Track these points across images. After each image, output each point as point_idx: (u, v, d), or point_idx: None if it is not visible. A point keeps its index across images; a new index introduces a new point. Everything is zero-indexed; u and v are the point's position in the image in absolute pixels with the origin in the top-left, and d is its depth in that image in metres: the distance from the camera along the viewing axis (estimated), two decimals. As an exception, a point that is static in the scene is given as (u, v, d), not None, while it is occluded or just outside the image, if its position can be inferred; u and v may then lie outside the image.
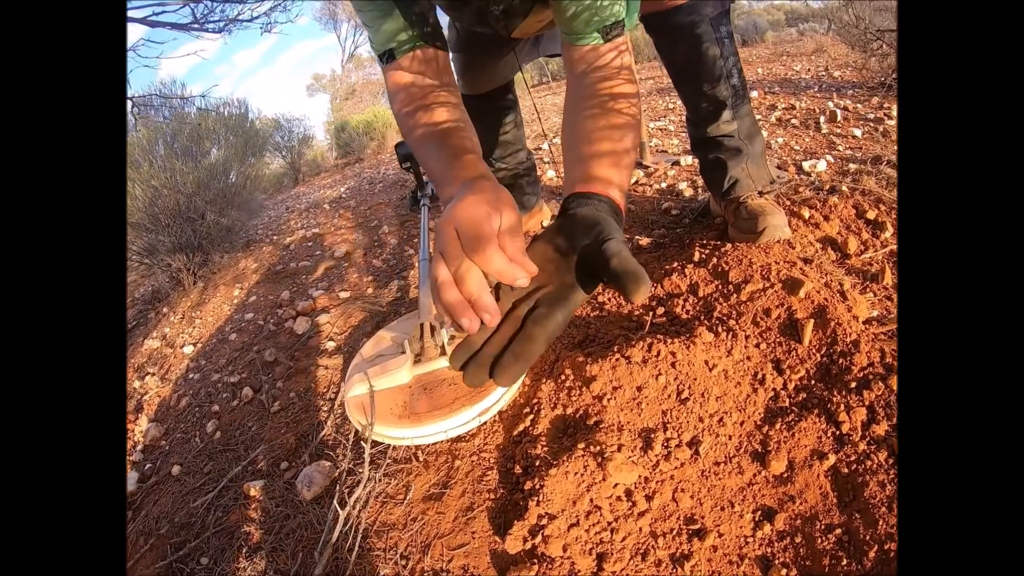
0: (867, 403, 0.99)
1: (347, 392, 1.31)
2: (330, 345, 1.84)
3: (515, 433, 1.18)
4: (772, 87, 3.44)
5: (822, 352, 1.09)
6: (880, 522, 0.84)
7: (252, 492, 1.30)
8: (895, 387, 0.99)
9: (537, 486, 0.99)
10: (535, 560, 0.92)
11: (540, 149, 3.25)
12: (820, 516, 0.90)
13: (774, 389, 1.08)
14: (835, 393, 1.02)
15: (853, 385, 1.02)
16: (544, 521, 0.95)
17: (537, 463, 1.06)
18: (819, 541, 0.87)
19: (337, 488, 1.20)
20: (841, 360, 1.06)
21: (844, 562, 0.83)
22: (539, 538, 0.93)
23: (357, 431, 1.28)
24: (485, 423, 1.19)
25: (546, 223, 2.09)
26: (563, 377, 1.21)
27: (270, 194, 5.80)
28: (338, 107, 14.17)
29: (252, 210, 3.58)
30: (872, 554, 0.81)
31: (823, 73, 3.63)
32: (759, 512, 0.94)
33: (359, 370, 1.36)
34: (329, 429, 1.41)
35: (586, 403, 1.13)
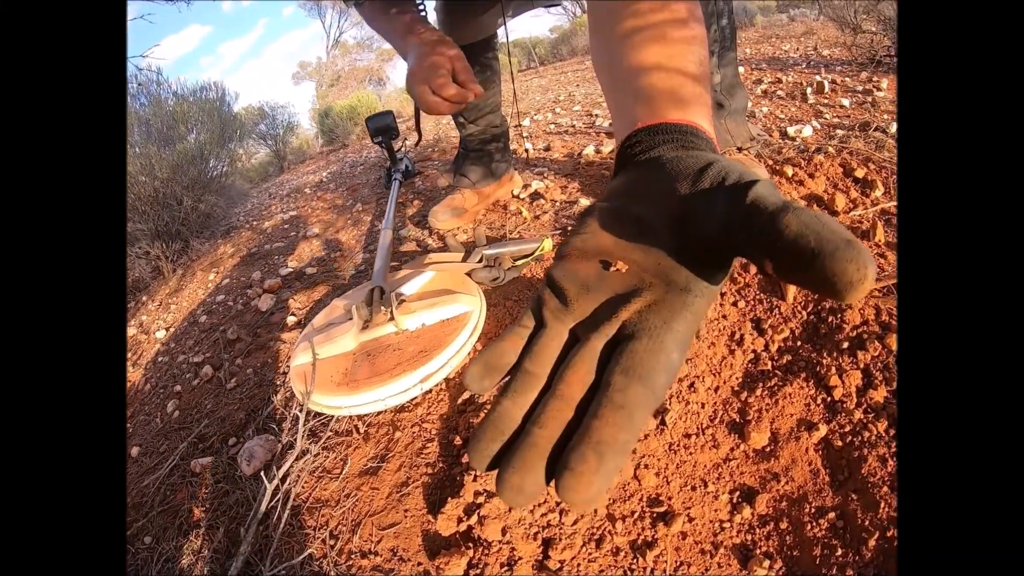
0: (862, 365, 0.83)
1: (292, 362, 1.24)
2: (291, 320, 1.74)
3: (460, 402, 1.04)
4: (759, 64, 3.29)
5: (809, 309, 0.92)
6: (881, 504, 0.68)
7: (198, 469, 1.22)
8: (894, 347, 0.82)
9: None
10: (470, 543, 0.76)
11: (520, 126, 3.11)
12: (810, 497, 0.74)
13: (754, 351, 0.91)
14: (825, 355, 0.86)
15: (845, 345, 0.86)
16: (481, 499, 0.79)
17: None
18: (809, 527, 0.71)
19: (274, 462, 1.11)
20: (831, 318, 0.89)
21: (839, 552, 0.67)
22: (475, 518, 0.78)
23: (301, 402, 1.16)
24: (429, 391, 1.06)
25: (517, 191, 1.91)
26: (514, 339, 1.03)
27: (255, 183, 5.62)
28: (323, 94, 13.83)
29: (233, 197, 3.44)
30: (872, 543, 0.66)
31: (812, 52, 3.45)
32: (737, 493, 0.78)
33: (307, 339, 1.26)
34: (278, 403, 1.33)
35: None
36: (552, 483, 0.29)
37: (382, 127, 2.11)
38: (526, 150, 2.37)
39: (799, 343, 0.90)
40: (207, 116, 3.22)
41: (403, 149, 2.51)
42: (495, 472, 0.31)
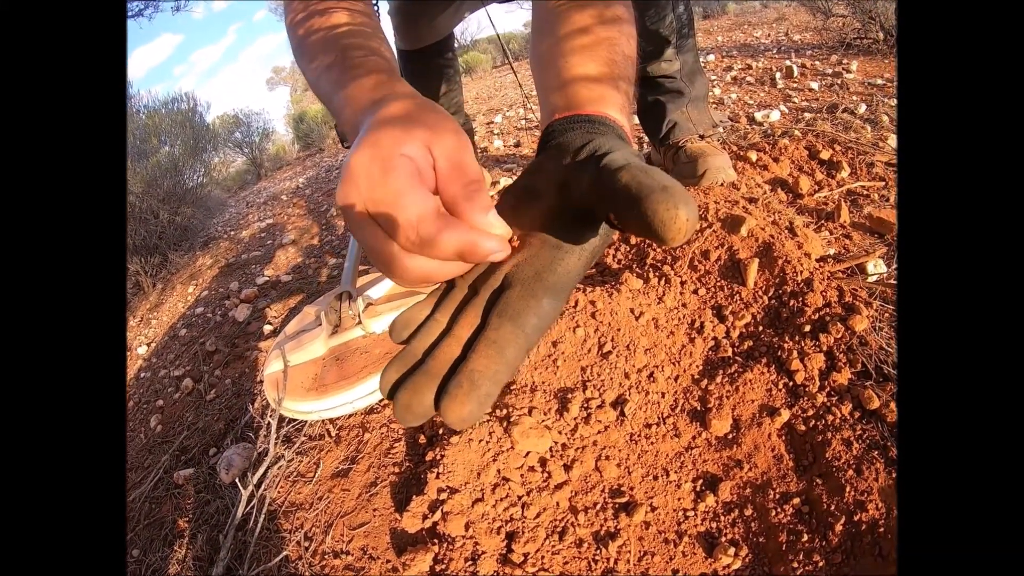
0: (824, 348, 0.83)
1: (265, 370, 1.23)
2: (267, 329, 1.74)
3: None
4: (730, 51, 3.28)
5: (770, 294, 0.92)
6: (847, 488, 0.67)
7: (181, 481, 1.24)
8: (857, 328, 0.81)
9: (438, 456, 0.83)
10: (435, 540, 0.76)
11: (492, 123, 3.10)
12: (774, 483, 0.73)
13: (714, 338, 0.90)
14: (786, 339, 0.86)
15: (807, 329, 0.85)
16: (444, 496, 0.79)
17: (440, 431, 0.90)
18: (774, 513, 0.70)
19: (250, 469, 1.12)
20: (792, 302, 0.89)
21: (805, 538, 0.67)
22: (439, 515, 0.77)
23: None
24: None
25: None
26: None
27: (233, 192, 5.55)
28: (298, 98, 13.54)
29: (210, 207, 3.40)
30: (839, 527, 0.65)
31: (783, 38, 3.45)
32: (700, 481, 0.77)
33: (279, 347, 1.24)
34: (254, 411, 1.34)
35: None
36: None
37: (351, 130, 2.09)
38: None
39: (760, 328, 0.89)
40: (179, 127, 3.19)
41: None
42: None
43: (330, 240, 2.29)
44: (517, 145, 2.40)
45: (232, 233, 3.09)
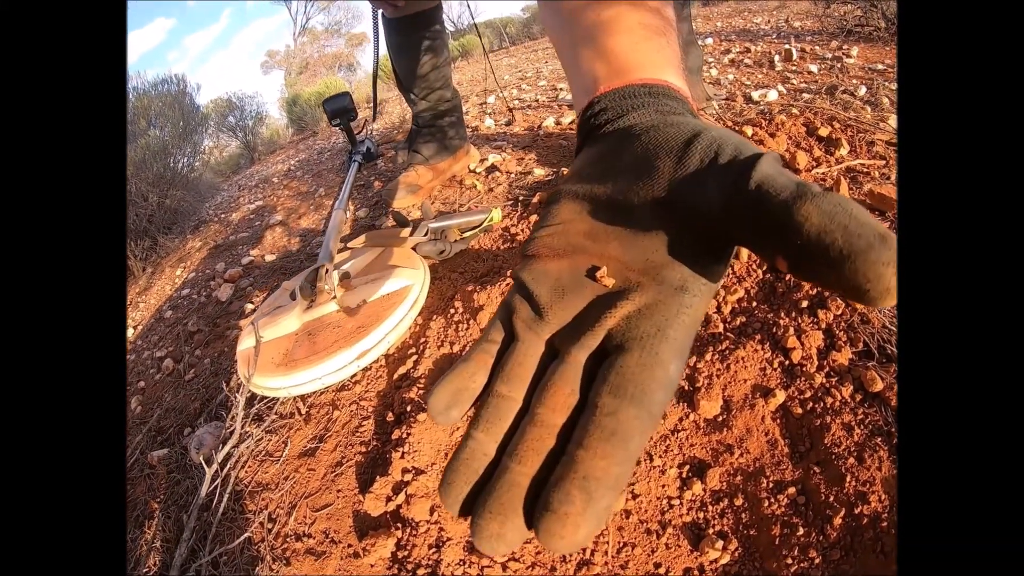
0: (823, 325, 0.76)
1: (238, 347, 1.21)
2: (249, 307, 1.71)
3: (396, 377, 0.99)
4: (729, 36, 3.23)
5: (765, 268, 0.86)
6: (847, 477, 0.61)
7: (154, 461, 1.21)
8: (859, 306, 0.75)
9: (404, 435, 0.77)
10: (398, 524, 0.71)
11: (485, 103, 3.06)
12: (767, 471, 0.67)
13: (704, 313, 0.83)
14: (782, 315, 0.79)
15: (805, 305, 0.79)
16: (409, 477, 0.73)
17: (409, 408, 0.84)
18: (766, 503, 0.64)
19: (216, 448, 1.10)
20: (789, 276, 0.82)
21: (800, 531, 0.60)
22: (402, 497, 0.73)
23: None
24: (368, 368, 1.04)
25: (474, 166, 1.84)
26: (452, 311, 0.98)
27: (227, 176, 5.54)
28: (292, 82, 13.37)
29: (202, 191, 3.36)
30: (837, 520, 0.59)
31: (783, 24, 3.40)
32: (687, 467, 0.71)
33: (253, 323, 1.23)
34: (229, 390, 1.30)
35: (473, 338, 0.89)
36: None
37: (339, 109, 2.04)
38: (510, 113, 2.33)
39: (754, 304, 0.83)
40: (169, 109, 3.12)
41: (365, 132, 2.45)
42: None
43: (317, 220, 2.25)
44: (508, 124, 2.34)
45: (223, 216, 3.08)
